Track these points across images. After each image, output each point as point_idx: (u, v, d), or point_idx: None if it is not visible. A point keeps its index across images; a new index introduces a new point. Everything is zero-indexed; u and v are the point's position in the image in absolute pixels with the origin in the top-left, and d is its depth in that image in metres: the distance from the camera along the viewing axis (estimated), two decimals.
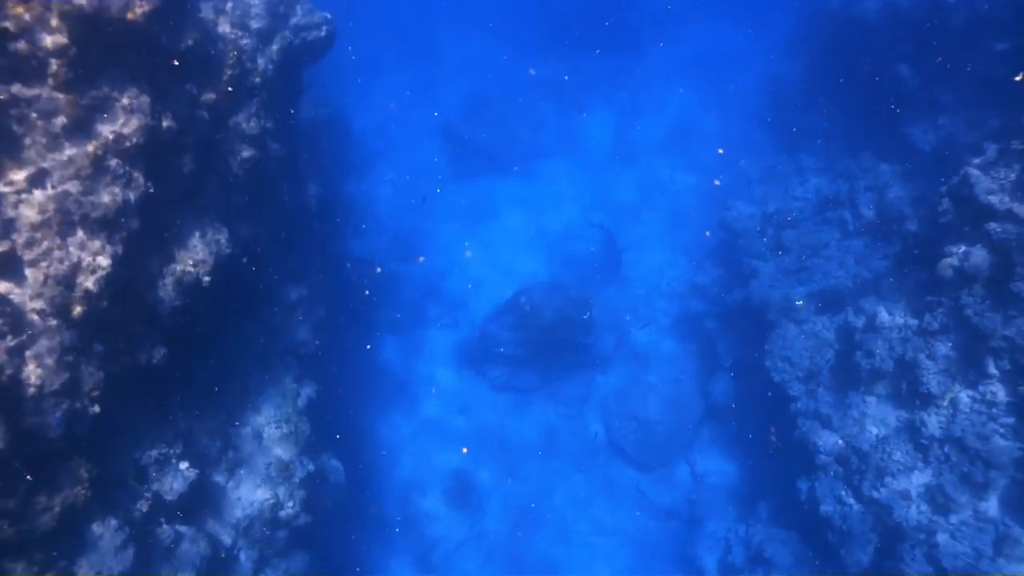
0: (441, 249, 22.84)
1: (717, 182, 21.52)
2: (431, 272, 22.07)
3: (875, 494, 12.23)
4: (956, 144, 15.16)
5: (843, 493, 12.75)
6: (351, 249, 19.70)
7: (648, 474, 17.98)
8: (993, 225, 11.30)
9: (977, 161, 11.95)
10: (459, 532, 17.39)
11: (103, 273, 8.11)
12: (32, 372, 7.57)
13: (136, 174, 8.71)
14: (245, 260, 10.90)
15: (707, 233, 20.62)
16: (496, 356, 19.31)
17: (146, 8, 8.26)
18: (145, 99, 8.68)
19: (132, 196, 8.62)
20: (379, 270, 19.93)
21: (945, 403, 11.77)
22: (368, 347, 19.39)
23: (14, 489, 7.38)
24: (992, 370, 11.22)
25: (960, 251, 11.74)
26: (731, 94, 25.68)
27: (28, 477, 7.51)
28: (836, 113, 19.41)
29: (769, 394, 14.81)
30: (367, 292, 19.05)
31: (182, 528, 9.77)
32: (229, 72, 10.63)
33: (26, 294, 7.76)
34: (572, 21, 27.76)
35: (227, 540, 10.50)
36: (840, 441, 12.91)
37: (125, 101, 8.53)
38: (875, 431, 12.61)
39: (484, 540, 17.41)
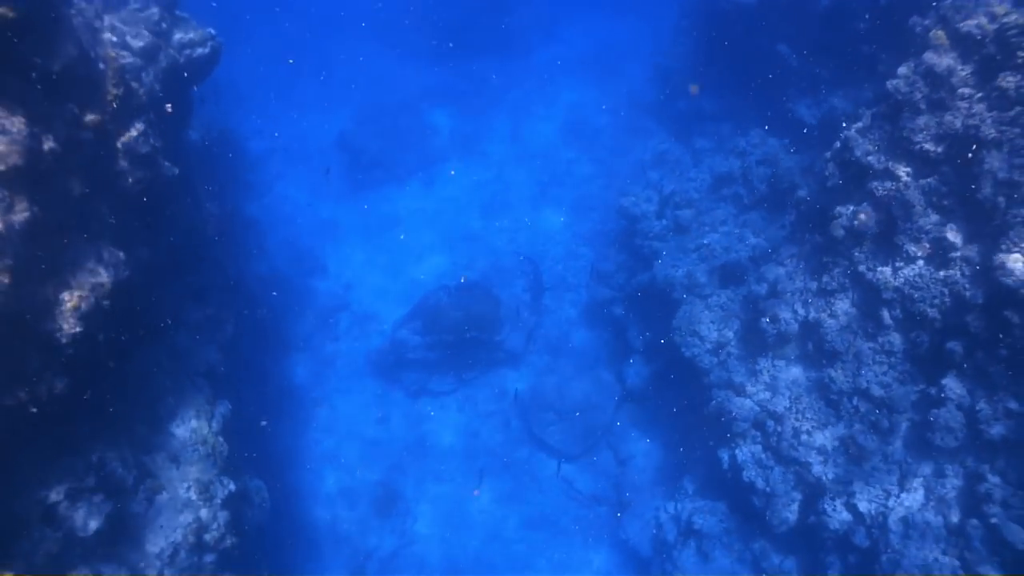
0: (345, 262, 22.66)
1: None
2: (337, 285, 21.86)
3: (794, 453, 12.67)
4: (838, 115, 15.90)
5: (763, 457, 13.16)
6: (255, 267, 19.33)
7: (573, 463, 18.12)
8: (874, 183, 11.90)
9: (855, 126, 12.54)
10: (390, 541, 17.24)
11: None
12: None
13: (17, 199, 8.33)
14: (145, 282, 10.57)
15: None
16: (409, 362, 19.23)
17: (8, 14, 7.90)
18: (19, 119, 8.31)
19: (15, 221, 8.24)
20: (275, 293, 19.64)
21: (849, 358, 12.29)
22: (276, 370, 19.06)
23: None
24: (888, 320, 11.79)
25: (848, 211, 12.30)
26: (621, 86, 26.26)
27: None
28: (724, 96, 20.07)
29: (682, 370, 15.14)
30: (274, 309, 18.73)
31: (101, 566, 9.39)
32: (113, 91, 10.31)
33: None
34: (459, 28, 28.12)
35: (152, 572, 10.13)
36: (755, 407, 13.31)
37: None
38: (788, 393, 13.07)
39: (416, 546, 17.27)
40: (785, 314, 13.20)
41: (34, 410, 8.57)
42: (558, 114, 26.75)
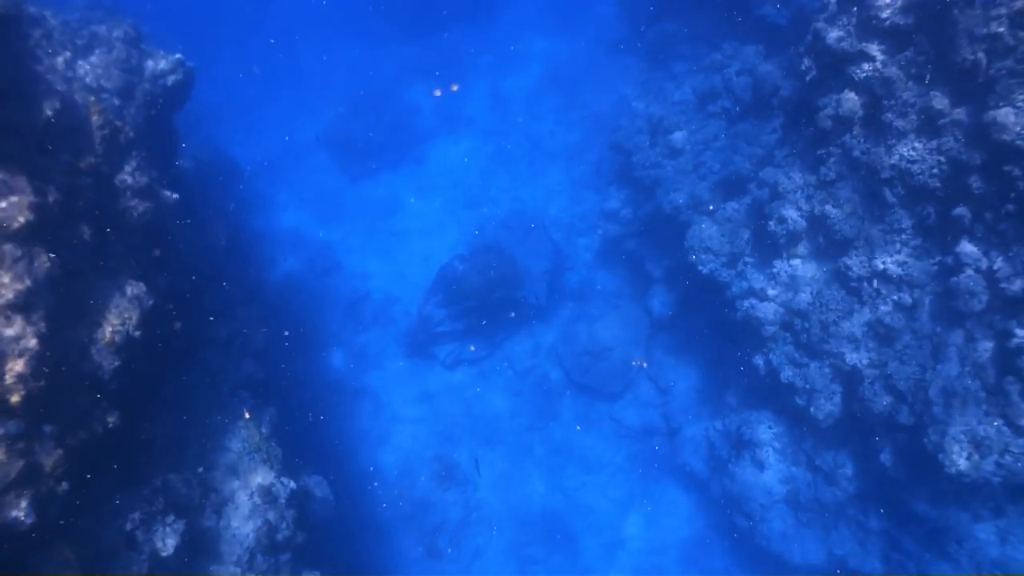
0: (357, 254, 22.96)
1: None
2: (355, 278, 22.19)
3: (825, 346, 12.85)
4: (808, 11, 15.75)
5: (797, 356, 13.35)
6: (271, 277, 19.69)
7: (616, 402, 18.43)
8: (852, 68, 11.94)
9: (823, 16, 12.54)
10: (456, 512, 17.65)
11: (32, 354, 8.06)
12: None
13: (36, 252, 8.65)
14: (169, 308, 10.89)
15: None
16: (439, 336, 19.55)
17: None
18: (21, 179, 8.61)
19: (39, 274, 8.57)
20: (296, 297, 20.00)
21: (861, 243, 12.41)
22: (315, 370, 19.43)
23: None
24: (891, 199, 11.88)
25: (833, 100, 12.35)
26: (590, 26, 26.25)
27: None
28: (691, 14, 19.93)
29: (703, 289, 15.32)
30: (299, 313, 19.08)
31: None
32: (100, 133, 10.55)
33: None
34: (422, 4, 28.07)
35: None
36: (780, 308, 13.48)
37: None
38: (808, 289, 13.21)
39: (482, 511, 17.70)
40: (791, 213, 13.30)
41: (96, 447, 8.98)
42: (534, 68, 26.80)
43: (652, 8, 21.15)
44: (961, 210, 11.10)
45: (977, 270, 11.09)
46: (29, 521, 7.68)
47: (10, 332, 8.09)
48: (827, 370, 12.95)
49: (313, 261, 22.52)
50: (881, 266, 12.15)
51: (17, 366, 7.96)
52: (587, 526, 17.27)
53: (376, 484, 17.99)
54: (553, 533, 17.24)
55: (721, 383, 16.54)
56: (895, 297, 12.10)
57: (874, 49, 11.67)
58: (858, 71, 11.83)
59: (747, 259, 14.47)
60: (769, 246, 13.87)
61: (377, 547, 16.94)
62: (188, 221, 13.39)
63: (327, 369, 20.03)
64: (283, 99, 28.58)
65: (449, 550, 17.26)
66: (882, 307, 12.29)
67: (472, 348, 19.57)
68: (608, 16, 24.95)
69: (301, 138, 26.43)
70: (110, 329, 9.38)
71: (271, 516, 11.05)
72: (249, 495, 11.15)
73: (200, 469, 11.13)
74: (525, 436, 18.55)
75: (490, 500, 17.86)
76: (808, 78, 12.88)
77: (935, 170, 11.29)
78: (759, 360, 13.98)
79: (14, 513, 7.60)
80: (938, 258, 11.77)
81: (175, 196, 12.12)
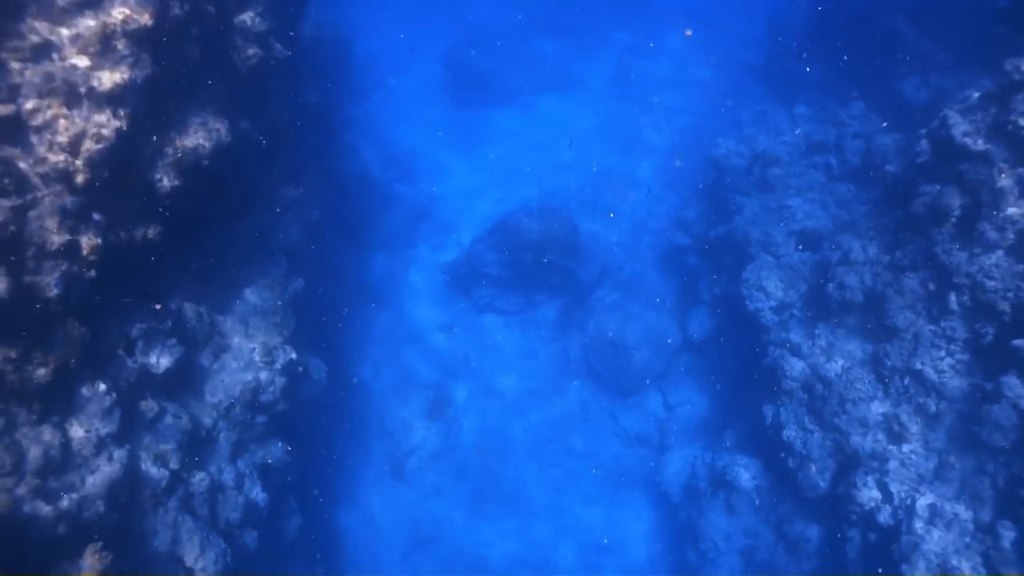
0: (434, 173, 23.17)
1: (677, 162, 21.94)
2: (423, 194, 22.39)
3: (836, 420, 12.74)
4: (946, 100, 15.37)
5: (806, 419, 13.25)
6: (347, 164, 19.91)
7: (622, 400, 18.48)
8: (966, 166, 11.65)
9: (958, 105, 12.26)
10: (434, 443, 17.90)
11: (107, 143, 8.42)
12: (34, 232, 7.92)
13: (143, 55, 8.98)
14: (242, 155, 11.16)
15: (677, 162, 21.42)
16: (482, 277, 19.68)
17: None
18: None
19: (138, 76, 8.90)
20: (362, 191, 20.13)
21: (908, 336, 12.23)
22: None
23: (15, 341, 7.77)
24: (954, 306, 11.66)
25: (934, 190, 12.11)
26: (730, 42, 25.96)
27: (24, 333, 7.89)
28: (832, 64, 19.60)
29: (743, 324, 15.24)
30: (359, 206, 19.35)
31: (166, 403, 10.18)
32: None
33: (30, 158, 8.07)
34: None
35: (208, 421, 10.89)
36: (807, 368, 13.38)
37: None
38: (841, 361, 13.08)
39: (457, 453, 17.95)
40: (853, 282, 13.12)
41: (130, 252, 9.36)
42: (663, 61, 26.58)
43: (796, 45, 20.81)
44: (1021, 343, 10.87)
45: (1015, 407, 10.84)
46: (56, 292, 8.09)
47: (98, 118, 8.44)
48: (829, 444, 12.85)
49: (390, 165, 22.73)
50: (919, 366, 11.97)
51: (92, 151, 8.32)
52: (548, 505, 17.44)
53: (368, 392, 18.33)
54: (515, 499, 17.46)
55: (725, 419, 16.49)
56: (921, 400, 11.93)
57: (996, 155, 11.37)
58: (971, 171, 11.54)
59: (795, 311, 14.34)
60: (820, 306, 13.73)
61: (347, 446, 17.28)
62: (289, 82, 13.66)
63: (365, 269, 20.32)
64: (416, 4, 28.60)
65: (413, 477, 17.57)
66: (904, 405, 12.13)
67: (507, 299, 19.76)
68: (751, 38, 24.71)
69: (421, 44, 26.54)
70: (181, 150, 9.68)
71: (263, 376, 11.36)
72: (251, 350, 11.49)
73: (215, 311, 11.49)
74: (524, 399, 18.71)
75: (468, 445, 18.09)
76: (919, 160, 12.61)
77: (1010, 294, 11.03)
78: (769, 410, 13.91)
79: (47, 279, 8.02)
80: (979, 380, 11.54)
81: (287, 53, 12.33)
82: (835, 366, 13.06)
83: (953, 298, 11.66)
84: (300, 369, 12.23)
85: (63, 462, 8.32)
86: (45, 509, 7.59)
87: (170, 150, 9.63)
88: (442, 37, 27.06)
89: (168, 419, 10.07)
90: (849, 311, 13.23)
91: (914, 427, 11.94)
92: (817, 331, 13.55)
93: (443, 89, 26.21)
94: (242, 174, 11.60)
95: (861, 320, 13.19)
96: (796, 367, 13.49)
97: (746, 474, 14.67)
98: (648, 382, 18.28)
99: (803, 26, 21.47)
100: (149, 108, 9.27)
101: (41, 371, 8.04)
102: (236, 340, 11.53)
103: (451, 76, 26.14)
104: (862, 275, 13.13)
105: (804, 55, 20.82)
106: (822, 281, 13.78)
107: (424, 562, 16.78)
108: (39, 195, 8.04)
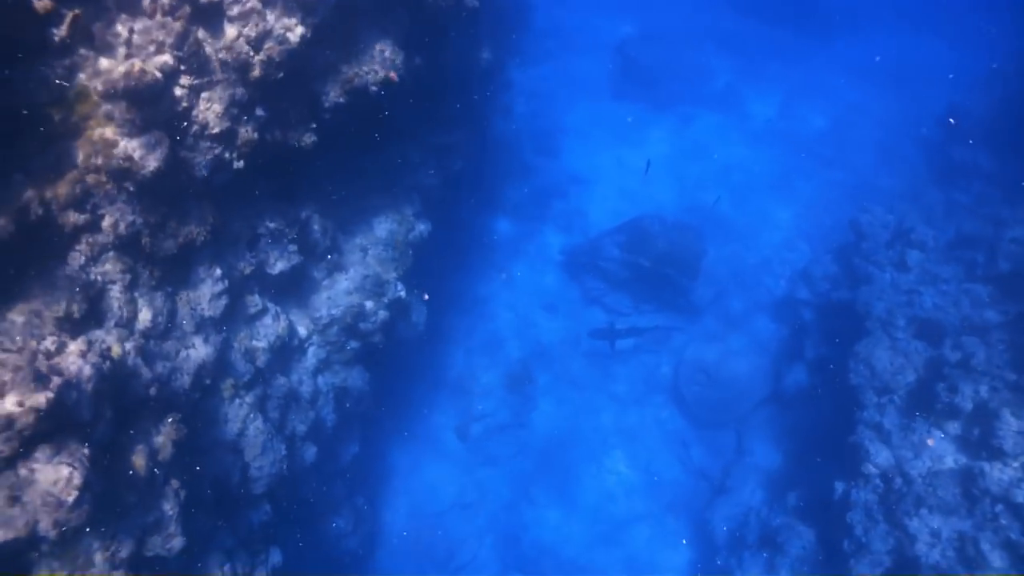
0: (578, 156, 23.22)
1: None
2: (563, 174, 22.46)
3: (906, 521, 12.28)
4: None
5: (875, 509, 12.83)
6: (497, 124, 20.12)
7: (697, 430, 18.29)
8: None
9: None
10: (504, 415, 18.09)
11: (288, 47, 8.72)
12: (201, 111, 8.31)
13: None
14: (408, 89, 11.33)
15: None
16: (598, 270, 19.71)
17: None
18: None
19: None
20: (504, 154, 20.28)
21: (1016, 464, 11.63)
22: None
23: (157, 207, 8.20)
24: None
25: None
26: (905, 108, 24.93)
27: (165, 203, 8.31)
28: (1008, 159, 18.70)
29: (839, 394, 14.81)
30: (498, 168, 19.53)
31: (270, 304, 10.55)
32: None
33: (218, 44, 8.44)
34: None
35: (303, 332, 11.26)
36: (892, 459, 12.91)
37: None
38: (929, 463, 12.57)
39: (523, 432, 18.12)
40: (967, 389, 12.57)
41: (279, 154, 9.69)
42: (832, 110, 26.01)
43: (974, 131, 19.87)
44: None
45: None
46: (204, 173, 8.49)
47: (287, 20, 8.76)
48: (891, 540, 12.41)
49: (537, 136, 22.90)
50: (1020, 499, 11.37)
51: (273, 51, 8.64)
52: (594, 507, 17.45)
53: (457, 349, 18.59)
54: (564, 492, 17.54)
55: (792, 480, 16.12)
56: (1005, 522, 11.38)
57: None
58: None
59: (896, 398, 13.81)
60: (925, 402, 13.20)
61: (420, 396, 17.60)
62: (466, 33, 13.78)
63: (490, 230, 20.59)
64: None
65: (474, 441, 17.80)
66: (988, 533, 11.56)
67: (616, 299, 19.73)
68: (929, 112, 23.52)
69: (594, 31, 26.48)
70: (355, 71, 9.94)
71: (368, 305, 11.62)
72: (364, 276, 11.75)
73: (339, 231, 11.81)
74: (603, 399, 18.72)
75: (536, 426, 18.24)
76: None
77: None
78: (840, 487, 13.50)
79: (200, 159, 8.42)
80: None
81: (475, 4, 12.38)
82: (921, 465, 12.57)
83: None
84: (404, 308, 12.44)
85: (165, 331, 8.73)
86: (143, 368, 8.00)
87: (345, 68, 9.89)
88: (619, 24, 26.95)
89: (267, 319, 10.43)
90: (953, 417, 12.68)
91: (987, 550, 11.39)
92: (914, 425, 13.04)
93: (609, 78, 26.16)
94: (404, 108, 11.80)
95: (964, 429, 12.61)
96: (881, 454, 13.04)
97: (798, 542, 14.34)
98: (728, 421, 17.98)
99: (985, 112, 20.51)
100: (336, 23, 9.54)
101: (170, 243, 8.44)
102: (352, 263, 11.83)
103: (620, 67, 26.04)
104: (978, 385, 12.54)
105: (970, 141, 19.94)
106: (933, 378, 13.22)
107: (456, 524, 17.03)
108: (215, 79, 8.40)
